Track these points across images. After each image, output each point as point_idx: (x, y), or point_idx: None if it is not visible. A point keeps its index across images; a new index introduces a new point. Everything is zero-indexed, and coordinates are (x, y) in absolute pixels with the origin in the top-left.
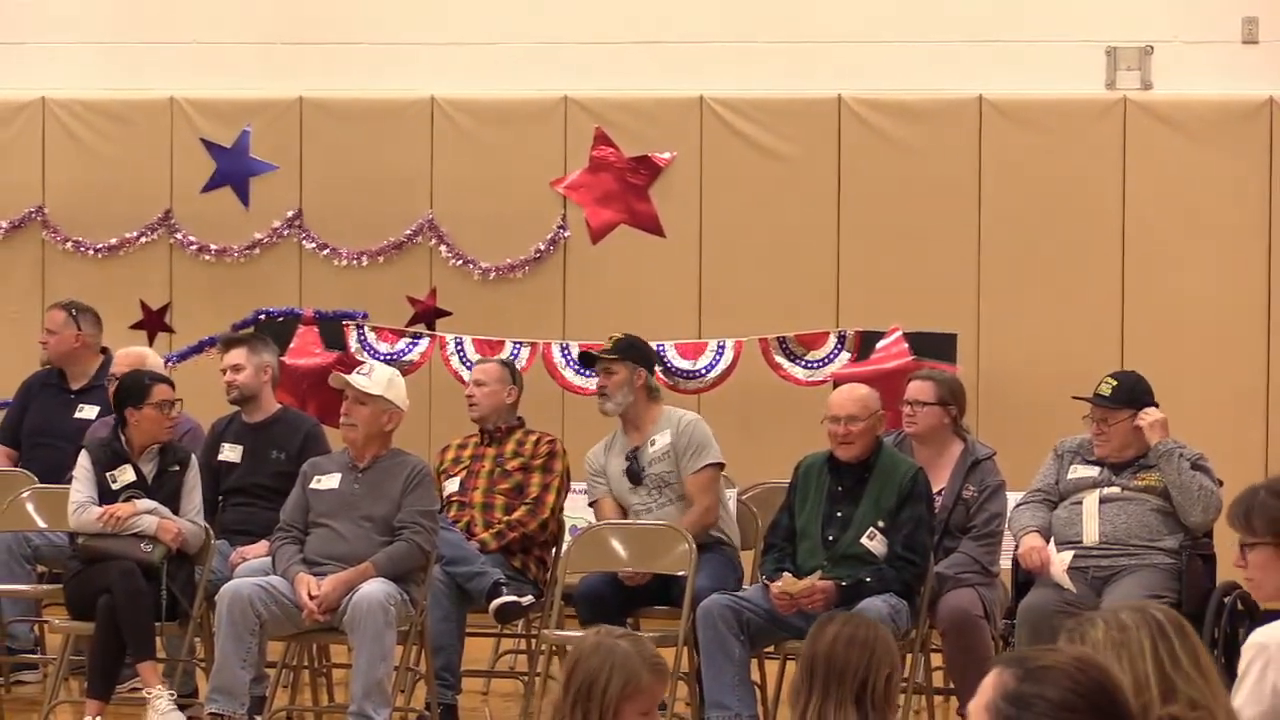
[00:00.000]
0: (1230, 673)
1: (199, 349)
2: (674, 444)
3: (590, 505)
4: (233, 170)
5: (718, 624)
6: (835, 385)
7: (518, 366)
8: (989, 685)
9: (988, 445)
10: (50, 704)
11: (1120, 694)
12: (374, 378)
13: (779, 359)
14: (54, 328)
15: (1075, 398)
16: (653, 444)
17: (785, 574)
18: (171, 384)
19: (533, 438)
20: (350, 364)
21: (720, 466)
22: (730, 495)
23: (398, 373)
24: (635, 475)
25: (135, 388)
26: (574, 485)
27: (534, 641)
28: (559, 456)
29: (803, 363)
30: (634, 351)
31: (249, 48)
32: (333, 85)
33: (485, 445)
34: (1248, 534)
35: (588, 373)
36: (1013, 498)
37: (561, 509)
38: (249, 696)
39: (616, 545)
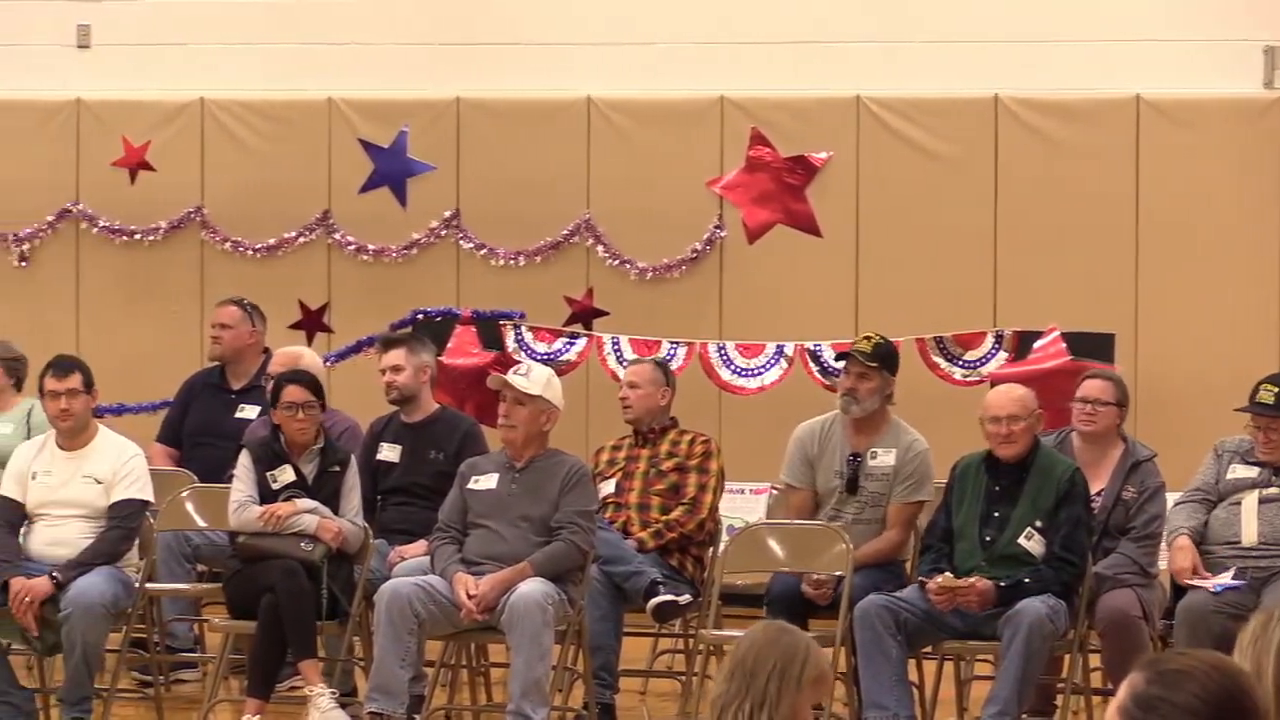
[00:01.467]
0: None
1: (357, 349)
2: (897, 467)
3: (780, 486)
4: (390, 170)
5: (875, 624)
6: (992, 385)
7: (674, 366)
8: (1125, 686)
9: (1148, 446)
10: (210, 703)
11: (1252, 702)
12: (532, 378)
13: (936, 359)
14: (230, 322)
15: (1237, 409)
16: (874, 456)
17: (944, 573)
18: (309, 385)
19: (687, 437)
20: (507, 364)
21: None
22: None
23: (554, 373)
24: (854, 485)
25: (275, 390)
26: (730, 485)
27: (692, 641)
28: (714, 456)
29: (960, 363)
30: (890, 361)
31: (407, 48)
32: (490, 86)
33: (639, 446)
34: None
35: (746, 372)
36: (1171, 499)
37: (718, 508)
38: (408, 695)
39: (774, 545)
